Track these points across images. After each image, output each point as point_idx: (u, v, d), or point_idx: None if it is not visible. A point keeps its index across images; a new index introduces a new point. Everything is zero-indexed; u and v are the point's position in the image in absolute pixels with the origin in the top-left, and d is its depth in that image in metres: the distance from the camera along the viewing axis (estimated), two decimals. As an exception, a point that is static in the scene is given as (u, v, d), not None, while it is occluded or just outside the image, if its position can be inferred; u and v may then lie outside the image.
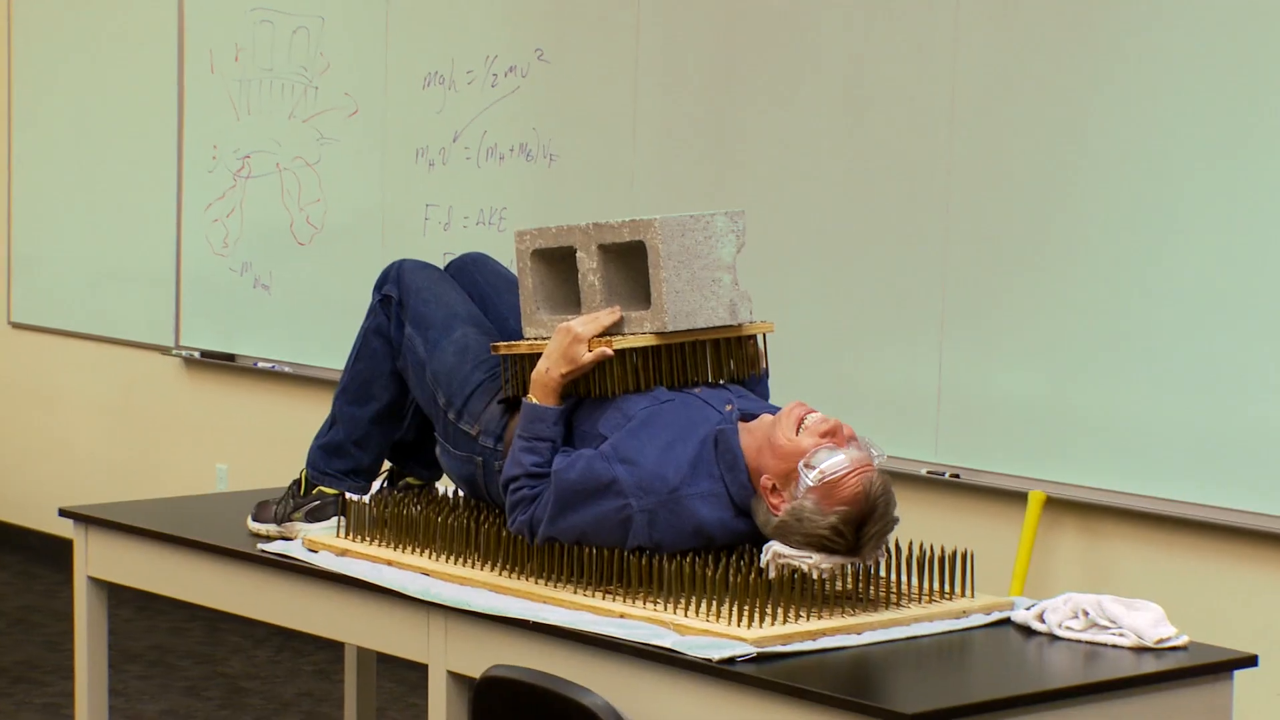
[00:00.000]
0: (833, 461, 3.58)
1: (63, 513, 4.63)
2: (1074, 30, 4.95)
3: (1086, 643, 3.56)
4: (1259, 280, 4.61)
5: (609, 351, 3.81)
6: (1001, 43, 5.07)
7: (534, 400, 3.83)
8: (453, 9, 6.49)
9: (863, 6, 5.35)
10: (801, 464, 3.58)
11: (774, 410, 3.83)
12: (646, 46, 5.90)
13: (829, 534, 3.55)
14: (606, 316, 3.85)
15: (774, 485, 3.64)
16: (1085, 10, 4.92)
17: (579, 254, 3.98)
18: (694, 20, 5.77)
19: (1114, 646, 3.53)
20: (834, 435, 3.64)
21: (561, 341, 3.82)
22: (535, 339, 4.02)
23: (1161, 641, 3.53)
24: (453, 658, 3.77)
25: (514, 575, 3.82)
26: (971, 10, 5.12)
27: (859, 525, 3.56)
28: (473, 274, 4.40)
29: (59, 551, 5.46)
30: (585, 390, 3.88)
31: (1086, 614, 3.60)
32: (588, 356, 3.80)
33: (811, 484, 3.56)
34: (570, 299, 4.03)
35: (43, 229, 8.28)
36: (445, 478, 4.45)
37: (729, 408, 3.85)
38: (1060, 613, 3.62)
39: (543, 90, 6.23)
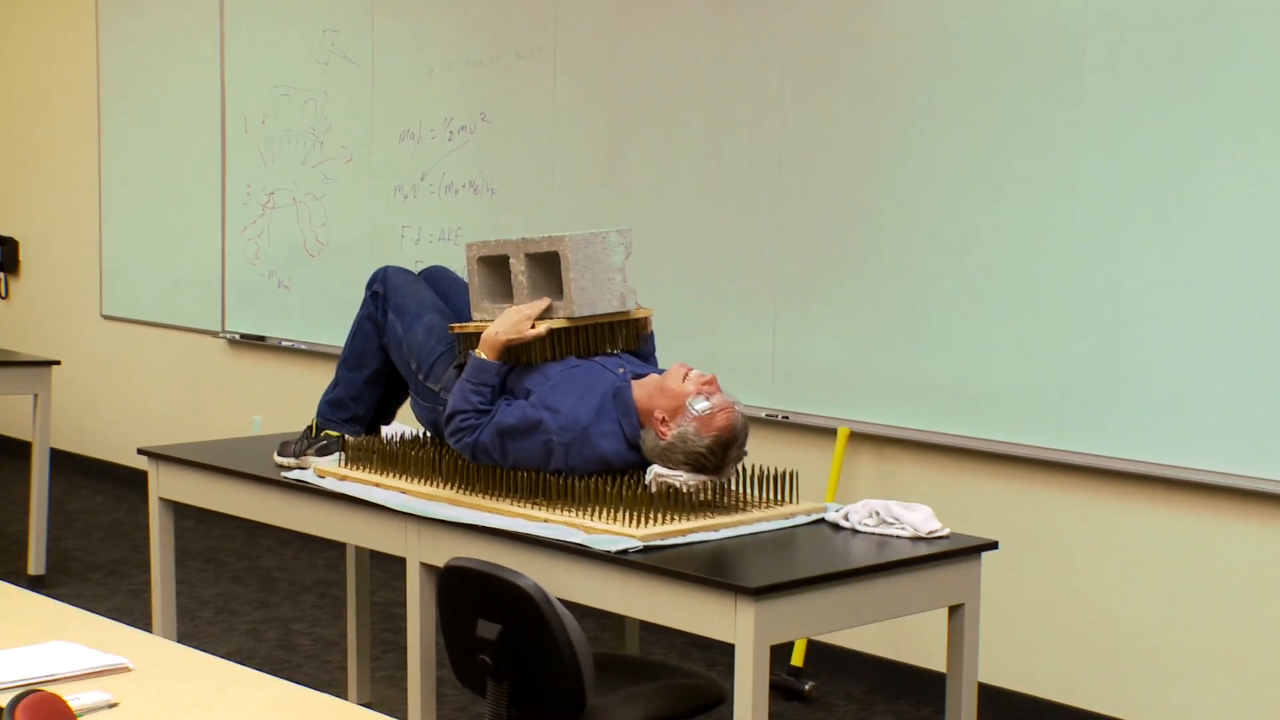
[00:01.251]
0: (711, 401, 3.61)
1: (140, 451, 4.57)
2: (880, 85, 4.94)
3: (878, 535, 3.57)
4: (995, 274, 4.64)
5: (543, 333, 3.80)
6: (819, 106, 5.07)
7: (482, 355, 3.81)
8: (419, 84, 6.44)
9: (714, 74, 5.33)
10: (688, 401, 3.61)
11: (659, 371, 3.85)
12: (560, 110, 5.87)
13: (704, 452, 3.57)
14: (541, 303, 3.84)
15: (664, 418, 3.65)
16: (883, 71, 4.91)
17: (512, 260, 3.97)
18: (595, 91, 5.75)
19: (897, 537, 3.55)
20: (711, 384, 3.66)
21: (511, 317, 3.83)
22: (481, 321, 4.01)
23: (932, 533, 3.55)
24: (424, 553, 3.75)
25: (468, 493, 3.79)
26: (795, 74, 5.11)
27: (725, 448, 3.59)
28: (436, 279, 4.38)
29: (139, 480, 5.40)
30: (516, 359, 3.87)
31: (878, 514, 3.61)
32: (531, 331, 3.80)
33: (695, 414, 3.58)
34: (505, 293, 4.02)
35: (125, 246, 8.16)
36: (407, 422, 4.43)
37: (621, 370, 3.85)
38: (859, 514, 3.63)
39: (486, 143, 6.19)
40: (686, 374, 3.68)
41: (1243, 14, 4.13)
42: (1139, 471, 4.41)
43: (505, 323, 3.83)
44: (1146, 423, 4.37)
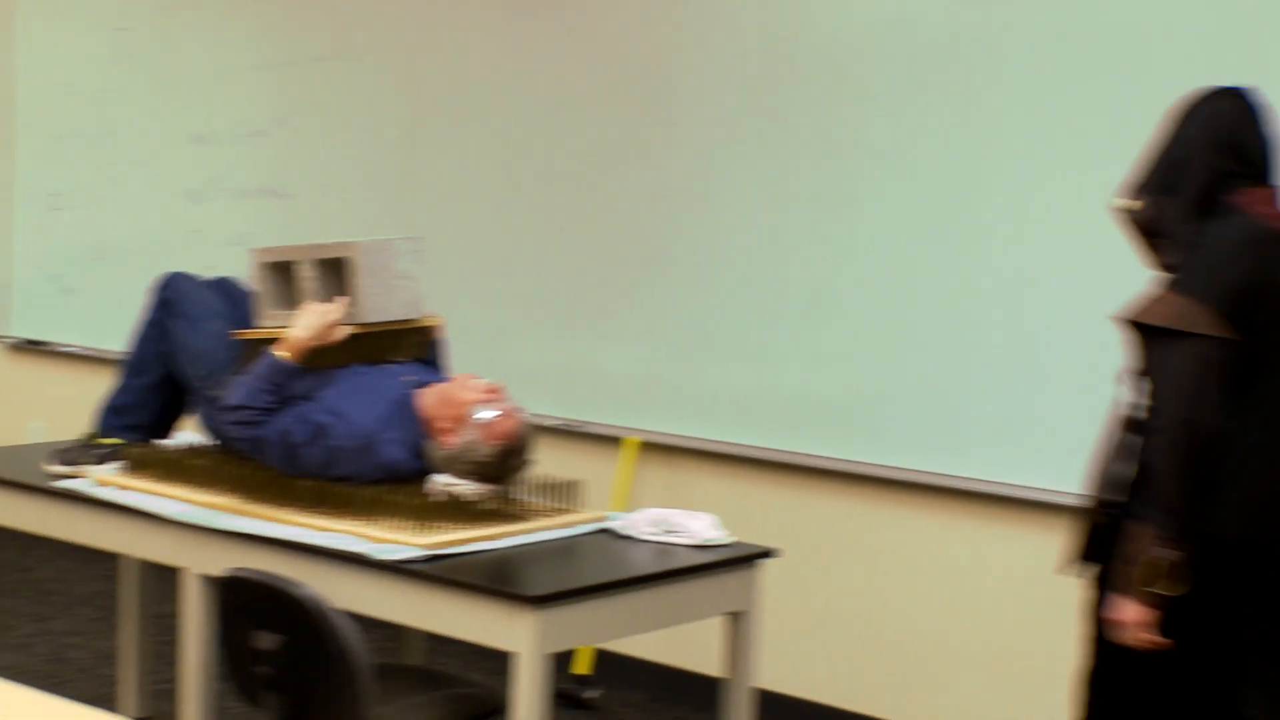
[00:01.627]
0: (495, 409, 3.62)
1: (-92, 458, 4.43)
2: (673, 95, 5.00)
3: (660, 543, 3.61)
4: (782, 286, 4.72)
5: (347, 335, 3.80)
6: (612, 116, 5.11)
7: (284, 356, 3.77)
8: (212, 86, 6.35)
9: (510, 82, 5.35)
10: (471, 410, 3.62)
11: (445, 380, 3.84)
12: (356, 115, 5.84)
13: (488, 461, 3.59)
14: (342, 302, 3.83)
15: (448, 428, 3.65)
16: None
17: (301, 266, 3.95)
18: (391, 97, 5.73)
19: (679, 545, 3.58)
20: (495, 393, 3.68)
21: (316, 320, 3.80)
22: (265, 329, 3.97)
23: (713, 540, 3.59)
24: (203, 563, 3.69)
25: (250, 502, 3.74)
26: (590, 84, 5.15)
27: (507, 455, 3.61)
28: (225, 289, 4.32)
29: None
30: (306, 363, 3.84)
31: (660, 523, 3.64)
32: (339, 334, 3.80)
33: (477, 422, 3.59)
34: (291, 300, 4.00)
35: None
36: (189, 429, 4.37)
37: (409, 378, 3.84)
38: (642, 522, 3.66)
39: (280, 147, 6.12)
40: (471, 383, 3.69)
41: (1012, 31, 4.27)
42: (918, 480, 4.53)
43: (311, 323, 3.80)
44: (924, 433, 4.49)
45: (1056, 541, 4.19)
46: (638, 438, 5.13)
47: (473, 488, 3.59)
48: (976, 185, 4.36)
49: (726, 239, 4.85)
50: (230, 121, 6.29)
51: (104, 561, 6.57)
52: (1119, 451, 3.06)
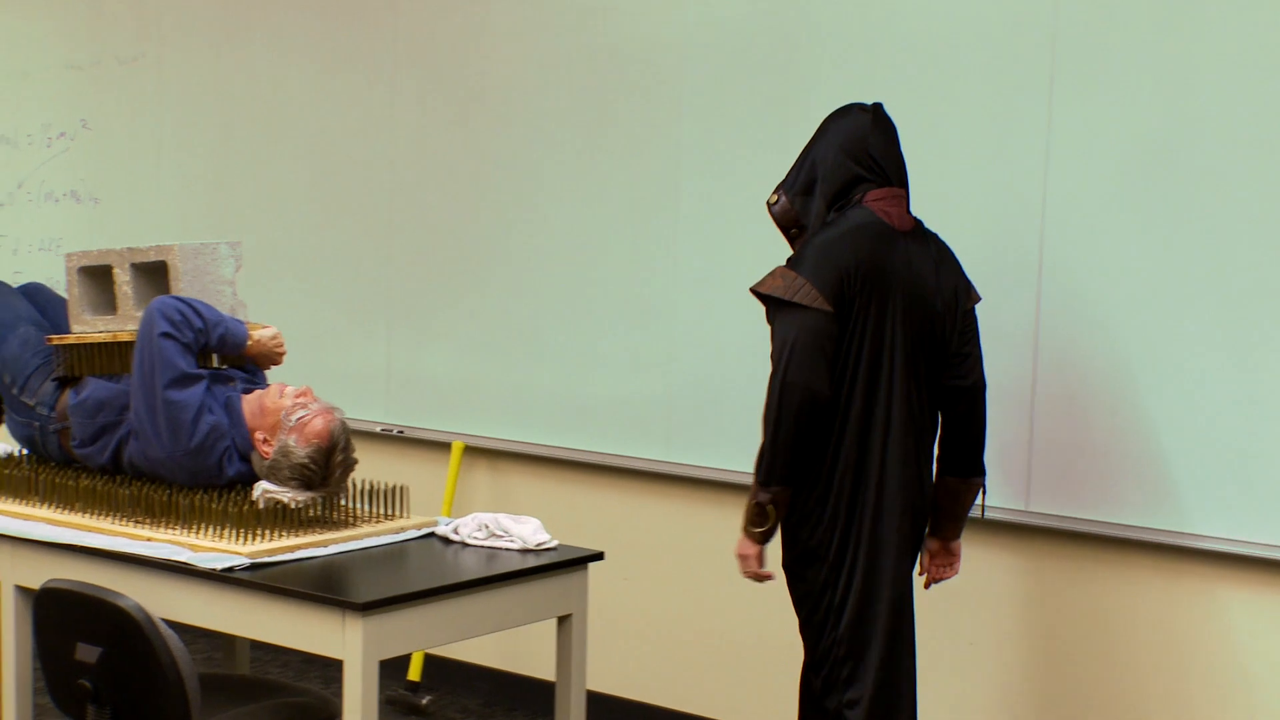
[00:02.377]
0: (306, 410, 3.60)
1: None
2: (487, 99, 5.01)
3: (488, 547, 3.61)
4: (603, 290, 4.76)
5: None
6: (429, 118, 5.10)
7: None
8: (13, 87, 6.20)
9: (324, 83, 5.31)
10: (283, 414, 3.59)
11: (263, 388, 3.81)
12: (166, 117, 5.75)
13: (307, 462, 3.54)
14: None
15: (265, 437, 3.61)
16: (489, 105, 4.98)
17: (115, 270, 3.89)
18: (201, 98, 5.66)
19: (507, 549, 3.60)
20: (306, 395, 3.66)
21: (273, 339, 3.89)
22: (81, 333, 3.91)
23: (540, 544, 3.61)
24: (18, 574, 3.61)
25: (66, 511, 3.68)
26: (404, 85, 5.14)
27: (328, 455, 3.57)
28: (35, 295, 4.24)
29: None
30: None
31: (488, 527, 3.65)
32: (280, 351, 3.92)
33: (291, 425, 3.56)
34: (107, 305, 3.94)
35: None
36: (3, 439, 4.28)
37: (233, 383, 3.79)
38: (469, 526, 3.66)
39: (87, 150, 6.00)
40: (283, 390, 3.67)
41: (828, 36, 4.36)
42: (734, 481, 4.59)
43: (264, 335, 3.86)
44: (740, 435, 4.55)
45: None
46: (462, 440, 5.13)
47: (295, 494, 3.56)
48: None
49: (547, 242, 4.88)
50: (33, 123, 6.15)
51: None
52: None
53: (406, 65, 5.15)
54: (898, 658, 3.50)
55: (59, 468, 3.90)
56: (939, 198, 4.03)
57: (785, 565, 3.56)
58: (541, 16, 4.87)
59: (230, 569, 3.29)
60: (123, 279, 3.87)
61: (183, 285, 3.79)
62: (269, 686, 3.63)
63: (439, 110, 5.08)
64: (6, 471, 3.84)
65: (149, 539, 3.46)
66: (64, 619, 3.19)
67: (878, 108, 3.57)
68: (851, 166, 3.50)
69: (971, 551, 4.15)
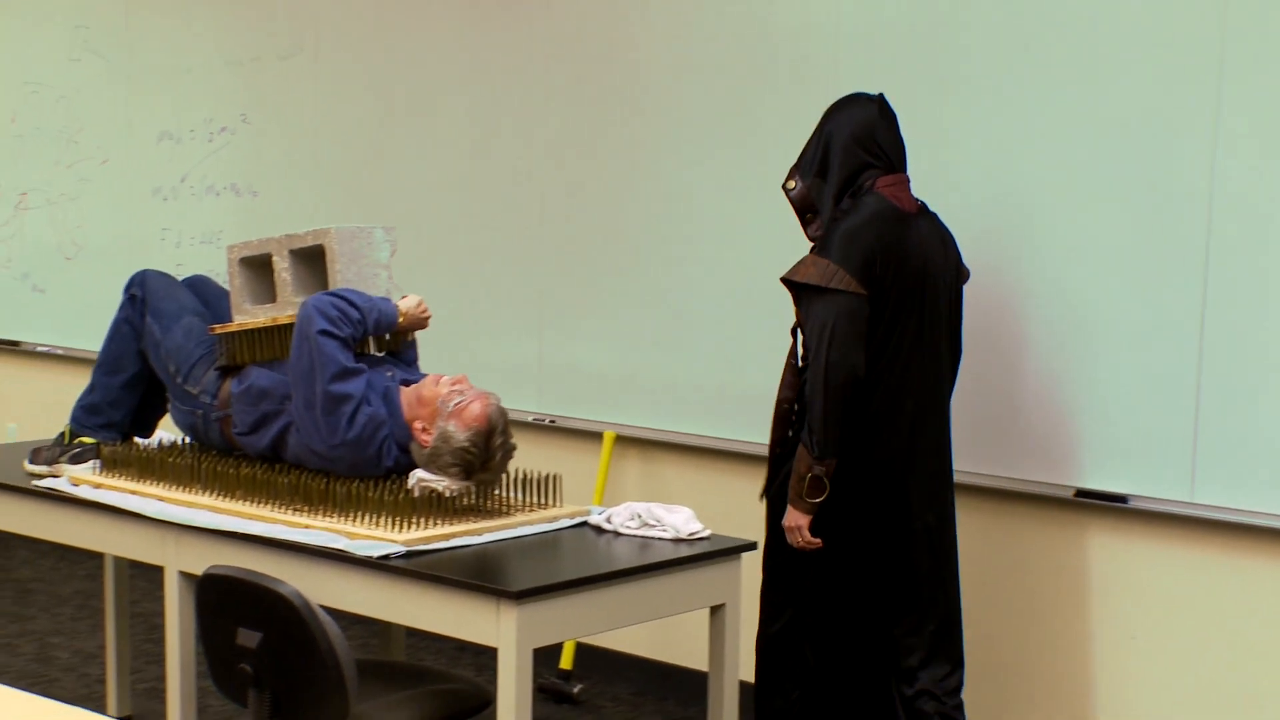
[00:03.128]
0: (463, 396, 3.63)
1: (-120, 461, 4.42)
2: (640, 90, 5.01)
3: (640, 537, 3.62)
4: (752, 280, 4.73)
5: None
6: (582, 108, 5.12)
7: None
8: (178, 83, 6.34)
9: (477, 75, 5.35)
10: (440, 402, 3.62)
11: (419, 379, 3.85)
12: (322, 111, 5.83)
13: (468, 446, 3.56)
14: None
15: (423, 426, 3.65)
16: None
17: (274, 258, 3.95)
18: (357, 92, 5.73)
19: (659, 539, 3.60)
20: (461, 382, 3.69)
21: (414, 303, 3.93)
22: (241, 323, 3.98)
23: (693, 533, 3.61)
24: (182, 561, 3.69)
25: (228, 499, 3.75)
26: (558, 75, 5.16)
27: (488, 438, 3.59)
28: (199, 288, 4.32)
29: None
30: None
31: (640, 516, 3.66)
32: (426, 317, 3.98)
33: (449, 411, 3.59)
34: (267, 295, 4.01)
35: None
36: (165, 428, 4.38)
37: (390, 374, 3.84)
38: (622, 516, 3.67)
39: (247, 144, 6.11)
40: (439, 380, 3.71)
41: (982, 19, 4.29)
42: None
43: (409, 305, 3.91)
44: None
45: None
46: (613, 430, 5.14)
47: (454, 484, 3.59)
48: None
49: (698, 233, 4.86)
50: (196, 119, 6.28)
51: (87, 560, 6.58)
52: (788, 392, 3.85)
53: (558, 58, 5.17)
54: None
55: (221, 455, 3.98)
56: (1103, 182, 3.96)
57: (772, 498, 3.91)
58: (694, 7, 4.85)
59: (386, 557, 3.33)
60: (281, 266, 3.94)
61: (339, 268, 3.83)
62: (424, 673, 3.67)
63: (590, 102, 5.09)
64: (170, 459, 3.92)
65: (307, 526, 3.52)
66: (225, 605, 3.26)
67: (881, 98, 3.85)
68: (861, 155, 3.77)
69: (1134, 544, 4.07)
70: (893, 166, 3.80)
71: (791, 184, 3.84)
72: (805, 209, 3.83)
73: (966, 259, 3.99)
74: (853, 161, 3.77)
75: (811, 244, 3.81)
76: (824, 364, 3.63)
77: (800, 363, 3.82)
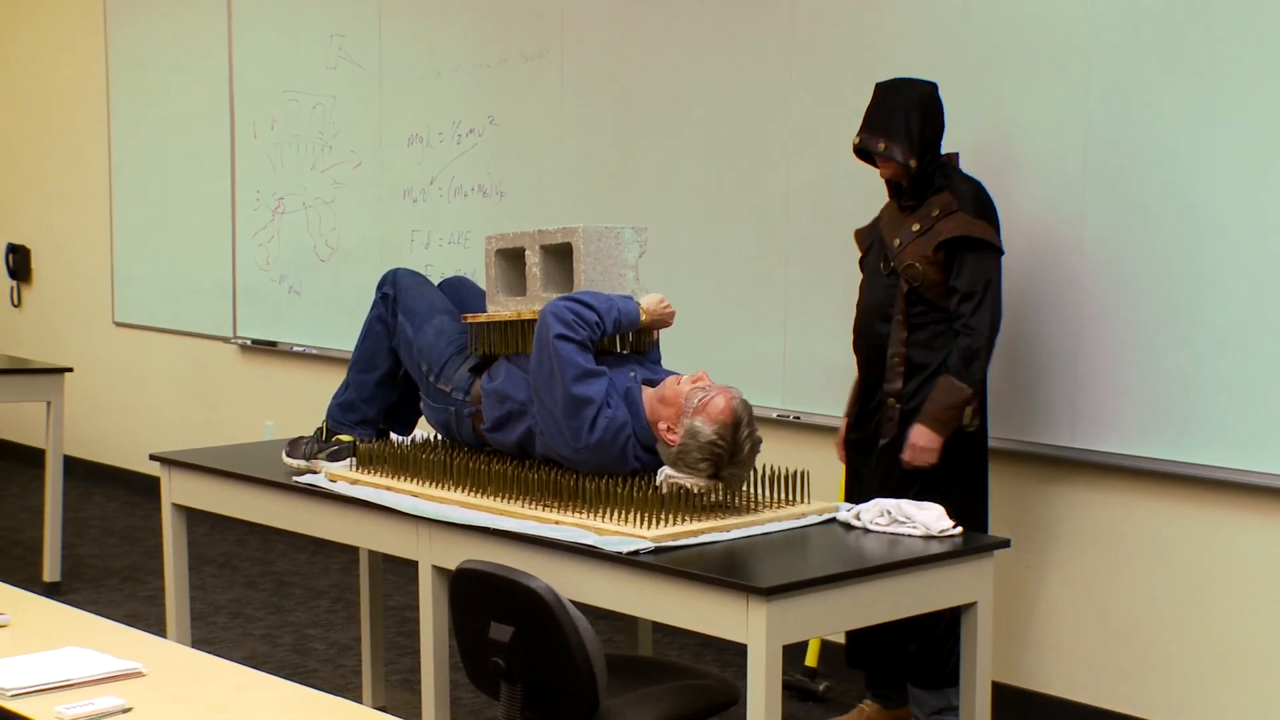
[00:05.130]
0: (705, 392, 3.62)
1: (152, 457, 4.59)
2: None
3: (890, 534, 3.57)
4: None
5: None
6: (825, 105, 5.07)
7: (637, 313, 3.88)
8: (427, 88, 6.46)
9: (720, 74, 5.34)
10: (683, 400, 3.62)
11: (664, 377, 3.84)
12: (568, 111, 5.88)
13: (716, 439, 3.54)
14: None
15: (668, 426, 3.64)
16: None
17: (527, 252, 4.00)
18: (602, 92, 5.76)
19: (909, 536, 3.55)
20: (701, 378, 3.68)
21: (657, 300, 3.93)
22: (494, 313, 4.04)
23: (943, 531, 3.55)
24: (436, 556, 3.76)
25: (479, 495, 3.80)
26: (801, 73, 5.12)
27: (735, 430, 3.56)
28: (457, 289, 4.39)
29: (152, 486, 5.41)
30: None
31: (889, 513, 3.61)
32: (670, 315, 3.97)
33: (694, 407, 3.58)
34: (520, 286, 4.07)
35: (137, 252, 8.21)
36: (423, 426, 4.45)
37: (632, 374, 3.84)
38: (871, 513, 3.63)
39: (494, 145, 6.20)
40: (680, 379, 3.70)
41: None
42: (1139, 467, 4.41)
43: (653, 301, 3.91)
44: (1143, 422, 4.36)
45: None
46: (859, 427, 5.07)
47: (703, 482, 3.58)
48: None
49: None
50: (445, 122, 6.39)
51: (341, 555, 6.77)
52: (900, 348, 4.34)
53: (802, 54, 5.13)
54: None
55: (472, 452, 4.03)
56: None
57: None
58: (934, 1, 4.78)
59: (635, 553, 3.34)
60: (532, 260, 3.99)
61: (585, 267, 3.86)
62: (671, 668, 3.67)
63: (834, 94, 5.04)
64: (424, 456, 3.99)
65: (557, 522, 3.55)
66: (478, 599, 3.29)
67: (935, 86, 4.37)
68: (938, 128, 4.34)
69: None
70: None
71: (893, 149, 4.28)
72: (902, 176, 4.32)
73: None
74: (940, 137, 4.34)
75: (907, 206, 4.33)
76: (991, 312, 4.21)
77: (911, 318, 4.31)
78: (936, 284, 4.27)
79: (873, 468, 4.43)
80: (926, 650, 4.36)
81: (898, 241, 4.33)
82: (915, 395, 4.31)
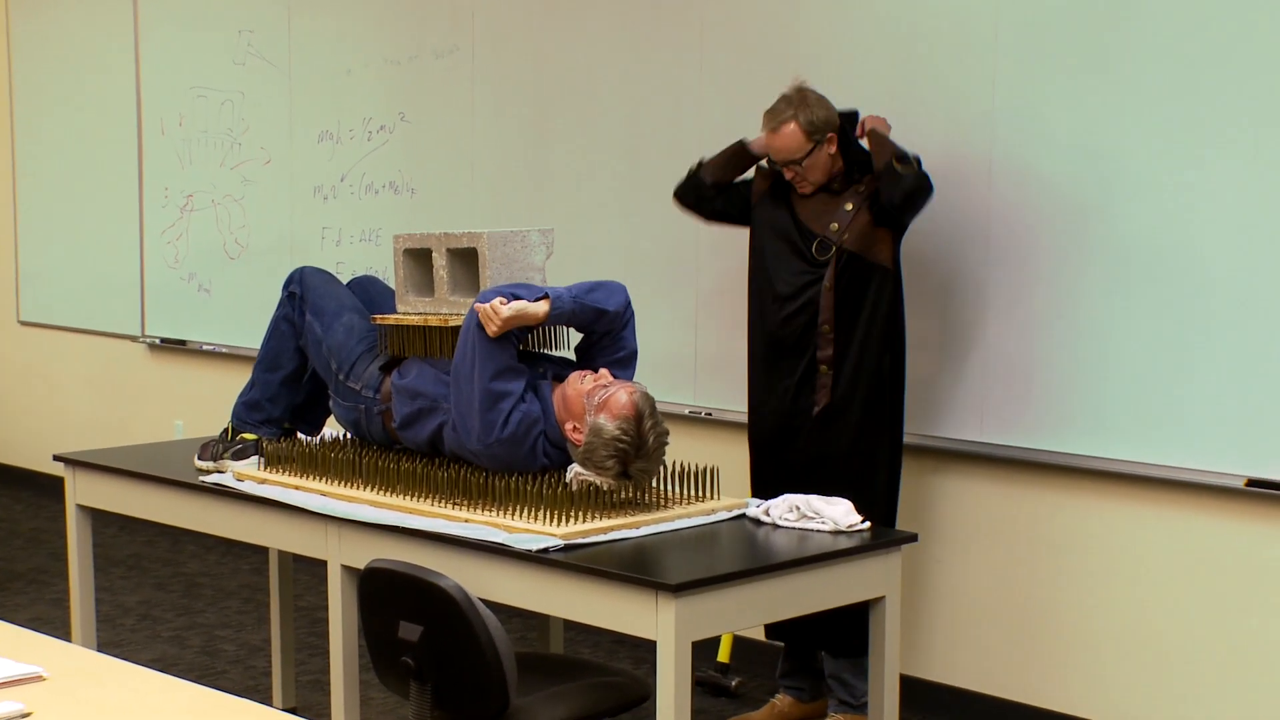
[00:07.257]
0: (607, 389, 3.62)
1: (56, 457, 4.54)
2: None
3: (799, 529, 3.59)
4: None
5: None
6: (739, 105, 5.08)
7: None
8: (337, 84, 6.42)
9: (633, 73, 5.34)
10: (586, 398, 3.62)
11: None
12: (480, 109, 5.86)
13: (620, 435, 3.54)
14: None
15: (575, 426, 3.64)
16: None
17: (434, 254, 3.98)
18: (514, 90, 5.75)
19: (818, 531, 3.57)
20: (601, 377, 3.68)
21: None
22: (404, 313, 4.02)
23: (852, 527, 3.57)
24: (345, 555, 3.74)
25: (388, 494, 3.78)
26: (714, 73, 5.13)
27: (638, 423, 3.55)
28: (366, 288, 4.37)
29: (59, 487, 5.33)
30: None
31: (799, 509, 3.63)
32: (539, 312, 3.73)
33: (596, 405, 3.58)
34: (429, 287, 4.04)
35: (42, 250, 8.09)
36: (331, 425, 4.43)
37: (542, 370, 3.84)
38: (780, 508, 3.65)
39: (406, 142, 6.17)
40: (582, 377, 3.70)
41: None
42: (1049, 462, 4.46)
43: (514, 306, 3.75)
44: (1053, 416, 4.41)
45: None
46: (770, 423, 5.09)
47: (612, 482, 3.58)
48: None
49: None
50: (355, 118, 6.36)
51: (252, 555, 6.71)
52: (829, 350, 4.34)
53: (714, 51, 5.14)
54: None
55: (381, 451, 4.02)
56: None
57: None
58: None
59: (545, 550, 3.34)
60: (439, 263, 3.97)
61: (491, 272, 3.85)
62: (582, 666, 3.67)
63: (748, 93, 5.05)
64: (332, 455, 3.97)
65: (466, 520, 3.54)
66: (387, 598, 3.29)
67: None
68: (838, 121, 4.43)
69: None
70: None
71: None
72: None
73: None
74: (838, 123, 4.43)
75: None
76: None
77: (839, 288, 4.33)
78: (882, 242, 4.33)
79: (803, 442, 4.38)
80: (844, 616, 4.31)
81: (835, 226, 4.33)
82: (843, 360, 4.31)
